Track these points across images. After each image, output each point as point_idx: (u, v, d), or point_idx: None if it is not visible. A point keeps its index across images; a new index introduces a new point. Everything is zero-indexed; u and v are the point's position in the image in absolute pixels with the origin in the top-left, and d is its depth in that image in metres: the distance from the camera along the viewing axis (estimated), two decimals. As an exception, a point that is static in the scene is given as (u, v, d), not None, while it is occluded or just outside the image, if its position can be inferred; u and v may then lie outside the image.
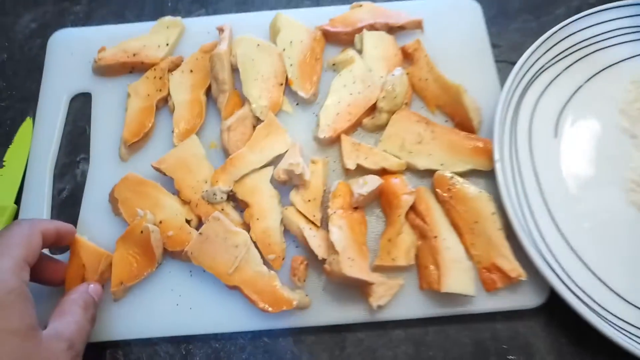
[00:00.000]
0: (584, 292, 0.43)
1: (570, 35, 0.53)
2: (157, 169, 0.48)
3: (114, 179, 0.47)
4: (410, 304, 0.44)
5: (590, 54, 0.53)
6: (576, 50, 0.53)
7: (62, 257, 0.45)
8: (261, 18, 0.55)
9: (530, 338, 0.44)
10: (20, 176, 0.49)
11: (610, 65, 0.53)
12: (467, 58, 0.53)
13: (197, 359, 0.43)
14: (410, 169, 0.48)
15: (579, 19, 0.53)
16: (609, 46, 0.53)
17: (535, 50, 0.51)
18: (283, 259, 0.45)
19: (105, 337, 0.43)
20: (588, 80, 0.52)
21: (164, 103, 0.52)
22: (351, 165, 0.47)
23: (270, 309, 0.42)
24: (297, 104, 0.52)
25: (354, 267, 0.42)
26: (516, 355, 0.43)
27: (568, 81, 0.52)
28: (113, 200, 0.47)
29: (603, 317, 0.42)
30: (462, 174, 0.48)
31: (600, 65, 0.53)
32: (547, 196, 0.47)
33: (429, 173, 0.48)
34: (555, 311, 0.43)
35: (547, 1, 0.57)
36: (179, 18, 0.55)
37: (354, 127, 0.50)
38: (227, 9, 0.58)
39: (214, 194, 0.46)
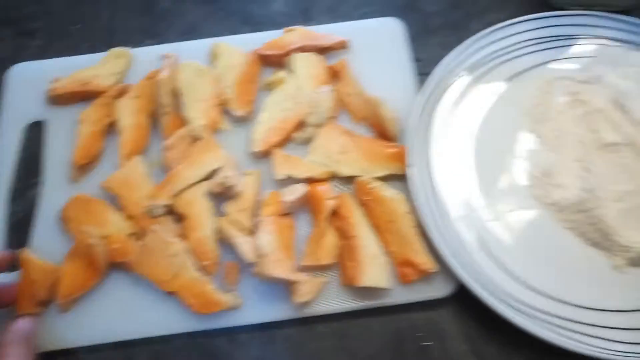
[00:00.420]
0: (489, 280, 0.48)
1: (483, 47, 0.58)
2: (105, 188, 0.53)
3: (65, 199, 0.52)
4: (333, 300, 0.49)
5: (501, 63, 0.58)
6: (489, 61, 0.58)
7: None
8: (202, 45, 0.61)
9: (443, 325, 0.49)
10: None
11: (518, 74, 0.58)
12: (390, 73, 0.59)
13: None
14: (335, 177, 0.53)
15: (490, 32, 0.58)
16: (517, 56, 0.58)
17: (449, 62, 0.57)
18: (217, 264, 0.50)
19: (54, 347, 0.47)
20: (499, 87, 0.57)
21: (113, 128, 0.57)
22: (281, 176, 0.52)
23: (203, 310, 0.47)
24: (234, 122, 0.57)
25: (279, 268, 0.47)
26: (431, 341, 0.48)
27: (480, 88, 0.57)
28: (63, 219, 0.52)
29: (507, 302, 0.46)
30: (382, 179, 0.53)
31: (509, 74, 0.58)
32: (458, 196, 0.52)
33: (352, 179, 0.53)
34: (466, 299, 0.47)
35: (465, 18, 0.63)
36: (127, 48, 0.61)
37: (285, 141, 0.55)
38: (174, 38, 0.63)
39: (154, 209, 0.51)
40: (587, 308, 0.48)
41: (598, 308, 0.48)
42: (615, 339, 0.46)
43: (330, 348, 0.48)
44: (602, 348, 0.45)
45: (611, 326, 0.46)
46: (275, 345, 0.48)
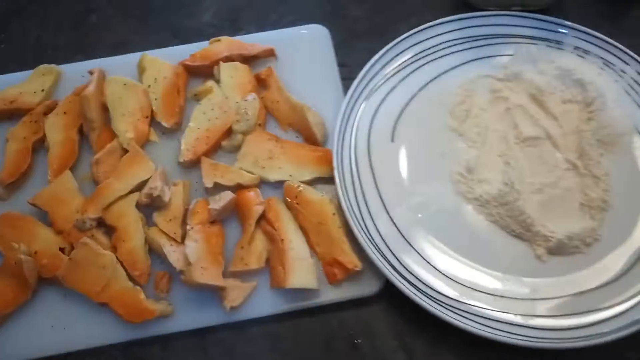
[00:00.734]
0: (414, 276, 0.50)
1: (406, 49, 0.61)
2: (33, 204, 0.54)
3: (-7, 217, 0.53)
4: (263, 303, 0.50)
5: (424, 64, 0.61)
6: (411, 63, 0.61)
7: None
8: (132, 59, 0.62)
9: (373, 322, 0.51)
10: None
11: (441, 74, 0.61)
12: (317, 79, 0.61)
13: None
14: (264, 182, 0.55)
15: (412, 35, 0.61)
16: (440, 57, 0.61)
17: (372, 65, 0.59)
18: (148, 274, 0.51)
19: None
20: (422, 88, 0.60)
21: (41, 144, 0.58)
22: (209, 184, 0.54)
23: (135, 320, 0.48)
24: (163, 134, 0.58)
25: (206, 275, 0.48)
26: (361, 338, 0.50)
27: (405, 90, 0.59)
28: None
29: (432, 297, 0.48)
30: (309, 182, 0.55)
31: (432, 74, 0.61)
32: (384, 194, 0.54)
33: (281, 184, 0.54)
34: (394, 296, 0.49)
35: (390, 21, 0.65)
36: (53, 65, 0.62)
37: (214, 149, 0.57)
38: (104, 53, 0.64)
39: (84, 222, 0.52)
40: (513, 298, 0.50)
41: (524, 298, 0.50)
42: (539, 327, 0.48)
43: (262, 350, 0.49)
44: (527, 336, 0.47)
45: (537, 314, 0.48)
46: (208, 350, 0.49)
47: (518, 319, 0.48)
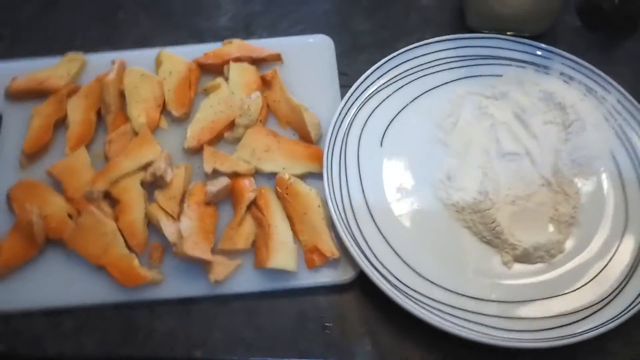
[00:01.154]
0: (387, 270, 0.55)
1: (402, 63, 0.67)
2: (49, 174, 0.60)
3: (14, 182, 0.60)
4: (246, 280, 0.56)
5: (418, 78, 0.66)
6: (406, 75, 0.66)
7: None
8: (151, 54, 0.69)
9: (344, 308, 0.55)
10: None
11: (433, 88, 0.66)
12: (317, 84, 0.67)
13: (67, 328, 0.54)
14: (258, 173, 0.61)
15: (408, 50, 0.67)
16: (433, 72, 0.67)
17: (369, 74, 0.65)
18: (145, 245, 0.57)
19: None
20: (414, 99, 0.65)
21: (62, 122, 0.65)
22: (209, 169, 0.60)
23: (128, 283, 0.54)
24: (173, 122, 0.65)
25: (196, 249, 0.54)
26: (332, 322, 0.55)
27: (398, 100, 0.65)
28: (10, 198, 0.59)
29: (401, 289, 0.53)
30: (300, 176, 0.60)
31: (425, 88, 0.66)
32: (367, 192, 0.59)
33: (274, 175, 0.60)
34: (365, 286, 0.54)
35: (392, 38, 0.71)
36: (80, 53, 0.69)
37: (217, 139, 0.63)
38: (127, 46, 0.72)
39: (92, 193, 0.58)
40: (476, 298, 0.54)
41: (486, 298, 0.54)
42: (494, 326, 0.52)
43: (240, 323, 0.55)
44: (482, 333, 0.51)
45: (491, 314, 0.53)
46: (191, 317, 0.55)
47: (476, 317, 0.52)
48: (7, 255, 0.55)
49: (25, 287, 0.55)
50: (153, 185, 0.59)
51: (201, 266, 0.55)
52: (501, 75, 0.67)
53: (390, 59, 0.66)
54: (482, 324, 0.52)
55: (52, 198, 0.59)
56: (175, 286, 0.55)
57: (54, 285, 0.55)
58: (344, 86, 0.66)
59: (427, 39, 0.67)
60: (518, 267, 0.56)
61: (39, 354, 0.53)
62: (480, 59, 0.68)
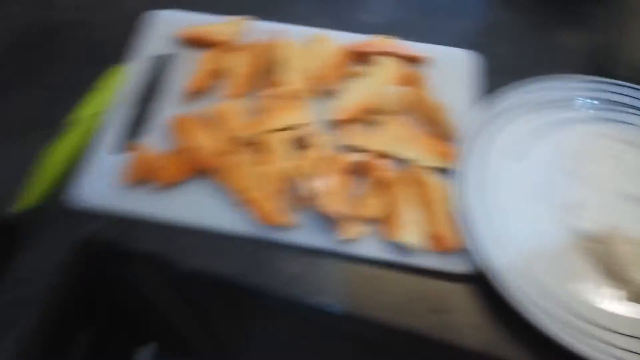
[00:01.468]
0: (501, 273, 0.59)
1: (544, 90, 0.72)
2: (208, 113, 0.67)
3: (175, 114, 0.67)
4: (369, 247, 0.61)
5: (555, 108, 0.71)
6: (546, 103, 0.71)
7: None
8: (308, 32, 0.76)
9: (455, 297, 0.59)
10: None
11: (569, 120, 0.71)
12: (457, 91, 0.72)
13: (205, 247, 0.60)
14: (394, 156, 0.67)
15: (553, 80, 0.72)
16: (572, 107, 0.71)
17: (511, 95, 0.70)
18: (283, 194, 0.63)
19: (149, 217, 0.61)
20: (549, 126, 0.70)
21: (223, 72, 0.72)
22: (352, 143, 0.66)
23: (265, 222, 0.60)
24: (317, 96, 0.71)
25: (332, 206, 0.60)
26: (440, 307, 0.58)
27: (533, 124, 0.70)
28: (172, 127, 0.66)
29: (512, 294, 0.57)
30: (433, 169, 0.66)
31: (561, 119, 0.70)
32: (491, 201, 0.64)
33: (409, 163, 0.66)
34: (480, 281, 0.58)
35: (540, 67, 0.76)
36: (243, 18, 0.77)
37: (359, 119, 0.69)
38: (291, 21, 0.79)
39: (243, 138, 0.65)
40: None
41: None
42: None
43: (352, 283, 0.59)
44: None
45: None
46: (312, 267, 0.60)
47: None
48: (165, 172, 0.62)
49: (177, 203, 0.62)
50: (299, 145, 0.65)
51: (332, 224, 0.60)
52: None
53: (534, 84, 0.71)
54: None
55: (207, 133, 0.65)
56: (305, 235, 0.61)
57: (200, 207, 0.62)
58: (483, 101, 0.71)
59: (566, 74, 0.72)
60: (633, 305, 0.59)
61: (179, 264, 0.59)
62: (622, 105, 0.72)
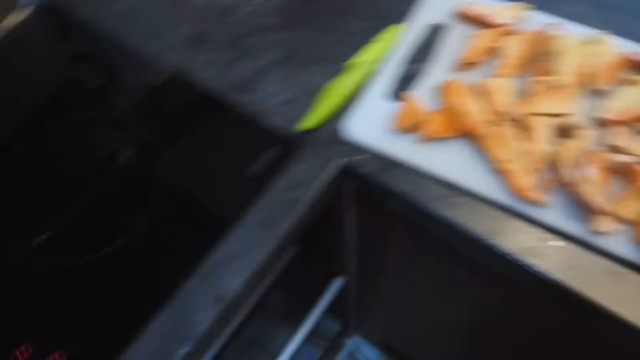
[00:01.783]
0: None
1: None
2: (477, 85, 0.72)
3: (445, 79, 0.72)
4: (618, 245, 0.61)
5: None
6: None
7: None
8: (584, 31, 0.77)
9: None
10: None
11: None
12: None
13: (454, 200, 0.65)
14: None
15: None
16: None
17: None
18: (540, 173, 0.65)
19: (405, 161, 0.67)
20: None
21: (493, 52, 0.76)
22: (617, 143, 0.66)
23: (516, 193, 0.63)
24: (591, 94, 0.72)
25: (592, 195, 0.61)
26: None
27: None
28: (442, 89, 0.72)
29: None
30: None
31: None
32: None
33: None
34: None
35: None
36: (522, 5, 0.80)
37: (626, 124, 0.69)
38: (562, 17, 0.80)
39: (509, 113, 0.68)
40: None
41: None
42: None
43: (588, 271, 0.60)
44: None
45: None
46: (547, 243, 0.62)
47: None
48: (431, 126, 0.67)
49: (437, 156, 0.67)
50: (560, 132, 0.67)
51: (585, 212, 0.61)
52: None
53: None
54: None
55: (474, 101, 0.70)
56: (554, 216, 0.62)
57: (457, 165, 0.66)
58: None
59: None
60: None
61: (431, 211, 0.64)
62: None
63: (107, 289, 0.63)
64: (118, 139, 0.75)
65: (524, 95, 0.71)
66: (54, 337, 0.59)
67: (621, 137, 0.67)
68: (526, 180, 0.64)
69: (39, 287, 0.63)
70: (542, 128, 0.68)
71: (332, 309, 1.00)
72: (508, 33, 0.77)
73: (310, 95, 0.74)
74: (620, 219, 0.62)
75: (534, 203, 0.63)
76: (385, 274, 1.02)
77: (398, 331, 1.31)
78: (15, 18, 0.83)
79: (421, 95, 0.72)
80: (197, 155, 0.73)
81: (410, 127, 0.69)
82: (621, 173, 0.65)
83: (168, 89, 0.78)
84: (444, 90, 0.71)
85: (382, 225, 0.86)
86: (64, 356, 0.58)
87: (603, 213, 0.61)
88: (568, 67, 0.73)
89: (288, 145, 0.70)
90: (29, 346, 0.59)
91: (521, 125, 0.69)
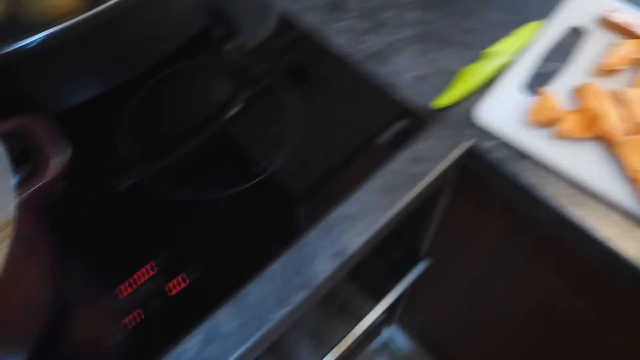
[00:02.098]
0: None
1: None
2: (617, 93, 0.72)
3: (582, 82, 0.73)
4: None
5: None
6: None
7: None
8: None
9: None
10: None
11: None
12: None
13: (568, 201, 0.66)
14: None
15: None
16: None
17: None
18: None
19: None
20: None
21: (635, 62, 0.76)
22: None
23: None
24: None
25: None
26: None
27: None
28: (577, 90, 0.72)
29: None
30: None
31: None
32: None
33: None
34: None
35: None
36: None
37: None
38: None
39: (648, 125, 0.68)
40: None
41: None
42: None
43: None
44: None
45: None
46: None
47: None
48: (566, 124, 0.68)
49: (567, 154, 0.68)
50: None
51: None
52: None
53: None
54: None
55: (611, 106, 0.70)
56: None
57: (587, 166, 0.67)
58: None
59: None
60: None
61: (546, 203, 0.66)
62: None
63: (236, 226, 0.66)
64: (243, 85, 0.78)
65: None
66: (179, 262, 0.63)
67: None
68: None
69: (175, 215, 0.67)
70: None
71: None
72: (653, 46, 0.77)
73: (442, 75, 0.76)
74: None
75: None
76: (460, 266, 1.03)
77: (444, 327, 1.32)
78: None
79: (557, 93, 0.73)
80: (324, 114, 0.75)
81: (544, 122, 0.70)
82: None
83: (301, 47, 0.81)
84: (582, 92, 0.72)
85: (476, 214, 0.87)
86: (186, 280, 0.62)
87: None
88: None
89: (418, 120, 0.71)
90: (155, 266, 0.63)
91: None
